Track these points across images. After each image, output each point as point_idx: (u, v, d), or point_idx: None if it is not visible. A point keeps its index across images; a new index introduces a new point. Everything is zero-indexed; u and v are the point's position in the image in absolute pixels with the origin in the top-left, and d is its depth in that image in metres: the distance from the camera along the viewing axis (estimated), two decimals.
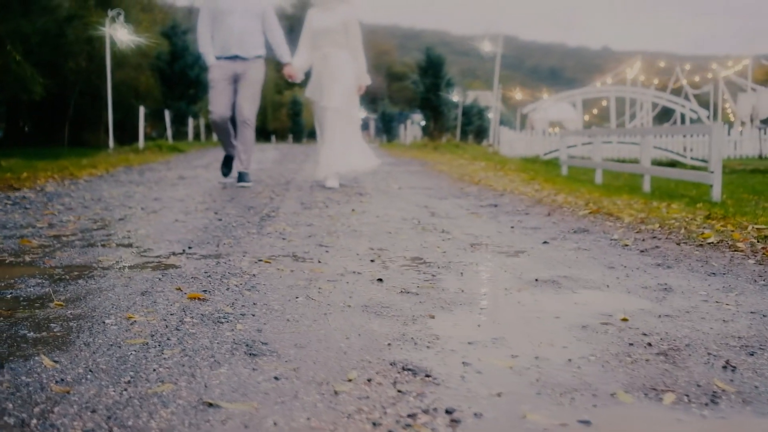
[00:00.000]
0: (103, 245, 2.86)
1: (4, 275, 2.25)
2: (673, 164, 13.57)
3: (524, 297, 2.01)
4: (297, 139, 47.39)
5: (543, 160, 13.78)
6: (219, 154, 16.27)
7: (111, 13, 14.72)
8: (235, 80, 6.15)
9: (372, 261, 2.53)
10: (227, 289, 2.07)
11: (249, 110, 6.17)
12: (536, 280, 2.25)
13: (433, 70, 20.14)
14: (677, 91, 37.34)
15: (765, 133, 25.41)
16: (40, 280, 2.18)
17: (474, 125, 32.42)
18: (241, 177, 6.13)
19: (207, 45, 6.11)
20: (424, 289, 2.10)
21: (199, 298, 1.94)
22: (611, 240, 3.09)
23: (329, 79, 6.03)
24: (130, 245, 2.87)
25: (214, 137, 27.67)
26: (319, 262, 2.52)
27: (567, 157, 10.43)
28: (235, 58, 6.09)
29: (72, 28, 23.74)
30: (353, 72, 6.11)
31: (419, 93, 19.55)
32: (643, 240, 3.11)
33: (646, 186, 7.29)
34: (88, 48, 25.95)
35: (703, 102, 41.45)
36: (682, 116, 25.68)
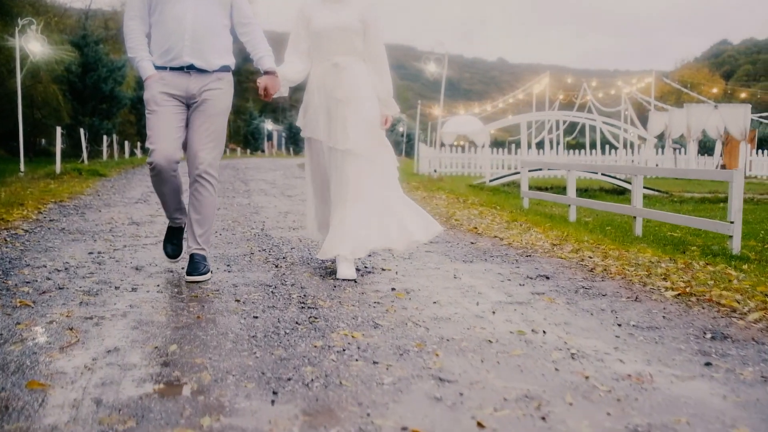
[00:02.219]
0: None
1: None
2: (621, 191, 13.61)
3: None
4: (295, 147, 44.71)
5: (489, 186, 13.50)
6: (144, 179, 15.08)
7: (22, 21, 13.38)
8: (189, 105, 3.85)
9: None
10: None
11: (210, 156, 3.84)
12: None
13: None
14: (583, 107, 38.63)
15: (680, 153, 26.47)
16: None
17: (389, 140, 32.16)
18: (195, 264, 3.85)
19: (140, 46, 3.81)
20: None
21: None
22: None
23: (345, 105, 4.02)
24: None
25: (136, 152, 25.56)
26: None
27: (528, 189, 10.14)
28: (188, 69, 3.76)
29: None
30: (375, 94, 4.14)
31: None
32: None
33: (638, 230, 7.01)
34: None
35: (609, 118, 42.94)
36: (602, 134, 26.27)
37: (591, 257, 4.79)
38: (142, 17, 3.84)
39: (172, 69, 3.78)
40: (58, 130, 13.19)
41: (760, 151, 26.82)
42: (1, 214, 6.84)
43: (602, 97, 42.57)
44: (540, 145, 28.66)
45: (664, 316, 3.09)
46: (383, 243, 3.96)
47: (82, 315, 3.01)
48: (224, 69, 3.88)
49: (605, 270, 4.25)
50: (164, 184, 3.87)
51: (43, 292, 3.47)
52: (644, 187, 13.68)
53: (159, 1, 3.79)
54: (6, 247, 4.96)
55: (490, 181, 13.65)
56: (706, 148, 33.59)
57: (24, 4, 23.49)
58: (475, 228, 6.38)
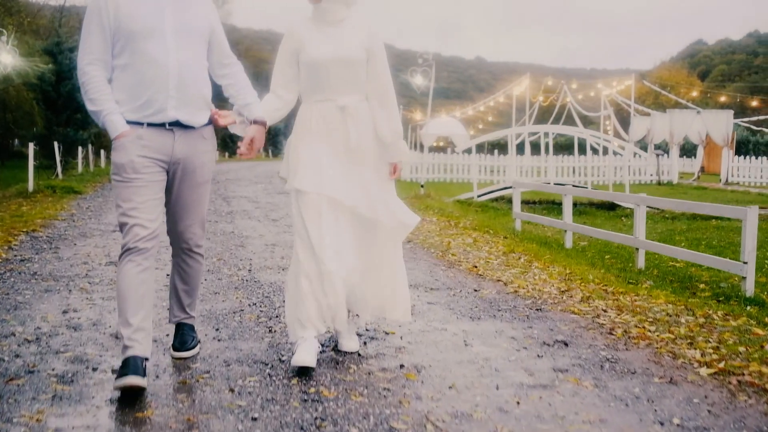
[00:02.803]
0: None
1: None
2: (611, 206, 13.38)
3: None
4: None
5: (478, 203, 13.22)
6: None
7: None
8: (171, 170, 3.13)
9: None
10: None
11: (201, 230, 3.34)
12: None
13: None
14: (563, 108, 38.59)
15: (662, 158, 26.42)
16: None
17: None
18: (183, 338, 3.43)
19: (105, 98, 2.98)
20: None
21: None
22: None
23: (350, 154, 3.36)
24: None
25: (108, 162, 24.72)
26: None
27: (520, 210, 9.87)
28: (171, 126, 3.05)
29: None
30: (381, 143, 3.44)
31: None
32: None
33: (640, 262, 6.75)
34: None
35: (589, 121, 43.13)
36: (581, 143, 26.09)
37: (605, 310, 4.50)
38: (104, 61, 3.01)
39: (151, 125, 3.01)
40: (31, 146, 12.68)
41: (742, 156, 26.88)
42: None
43: (582, 99, 42.60)
44: (521, 147, 28.48)
45: (709, 410, 2.79)
46: (379, 312, 3.58)
47: (54, 424, 2.62)
48: (208, 123, 3.22)
49: (626, 333, 3.95)
50: (138, 276, 2.97)
51: (11, 379, 3.08)
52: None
53: (128, 39, 2.97)
54: None
55: (479, 196, 13.37)
56: (685, 150, 33.66)
57: None
58: (475, 267, 6.06)
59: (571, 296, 4.92)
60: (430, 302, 4.74)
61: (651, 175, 23.89)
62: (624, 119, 35.44)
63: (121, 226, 3.04)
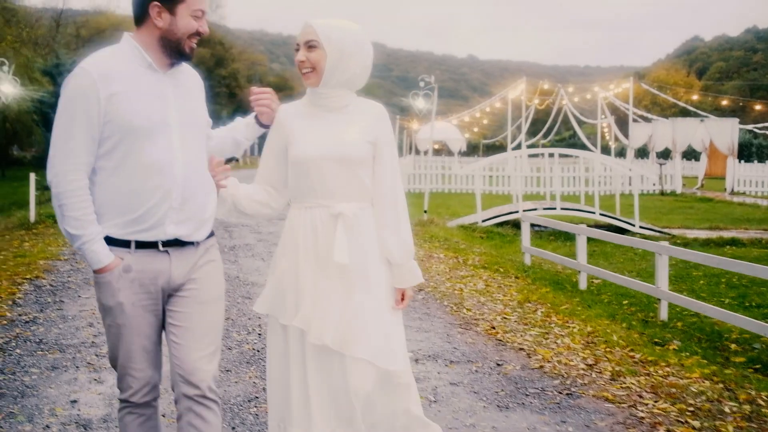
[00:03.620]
0: None
1: None
2: (620, 230, 13.19)
3: None
4: None
5: (482, 228, 13.05)
6: None
7: None
8: (167, 299, 2.53)
9: None
10: None
11: (213, 365, 2.56)
12: None
13: None
14: (560, 111, 38.42)
15: (665, 166, 26.26)
16: None
17: None
18: None
19: (88, 217, 2.37)
20: None
21: None
22: None
23: (355, 282, 2.61)
24: None
25: None
26: None
27: (529, 241, 9.71)
28: (166, 245, 2.46)
29: None
30: (385, 261, 2.70)
31: None
32: None
33: (663, 313, 6.57)
34: None
35: (588, 132, 43.01)
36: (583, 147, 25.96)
37: (640, 396, 4.31)
38: (87, 164, 2.37)
39: (140, 245, 2.41)
40: (32, 178, 12.52)
41: (746, 162, 26.74)
42: None
43: (578, 101, 42.38)
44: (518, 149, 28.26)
45: None
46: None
47: None
48: (212, 234, 2.64)
49: None
50: (141, 428, 2.59)
51: None
52: (641, 227, 13.34)
53: (123, 137, 2.36)
54: None
55: (483, 221, 13.19)
56: (685, 153, 33.50)
57: None
58: (493, 328, 5.88)
59: (600, 372, 4.74)
60: (453, 382, 4.56)
61: (654, 184, 23.73)
62: (622, 121, 35.19)
63: (115, 370, 2.58)
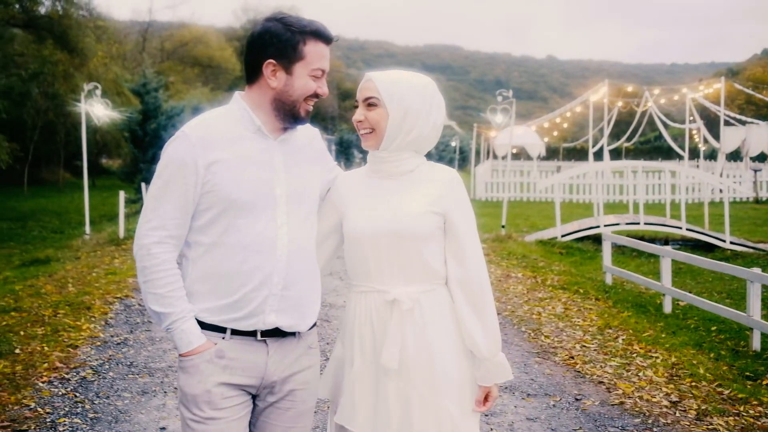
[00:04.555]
0: None
1: None
2: (708, 247, 12.68)
3: None
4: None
5: (561, 243, 12.82)
6: None
7: (87, 86, 13.52)
8: (256, 398, 2.24)
9: None
10: None
11: None
12: None
13: None
14: (644, 114, 37.20)
15: (760, 174, 25.07)
16: None
17: (443, 160, 31.56)
18: None
19: (177, 293, 2.11)
20: None
21: None
22: None
23: (406, 384, 2.22)
24: None
25: None
26: None
27: (611, 261, 9.48)
28: (265, 335, 2.16)
29: (37, 83, 22.51)
30: (464, 349, 2.28)
31: None
32: None
33: (756, 343, 6.29)
34: (51, 104, 24.57)
35: (675, 133, 41.56)
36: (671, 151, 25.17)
37: None
38: (178, 237, 2.13)
39: (236, 333, 2.14)
40: (121, 194, 13.16)
41: None
42: (71, 329, 6.66)
43: (664, 102, 40.88)
44: (599, 155, 27.56)
45: None
46: None
47: None
48: (314, 324, 2.31)
49: None
50: None
51: None
52: (732, 242, 12.77)
53: (224, 210, 2.11)
54: (76, 414, 4.64)
55: (563, 236, 12.96)
56: None
57: (87, 32, 24.02)
58: (571, 357, 5.78)
59: (685, 411, 4.59)
60: (530, 417, 4.52)
61: (748, 191, 22.68)
62: (713, 123, 33.77)
63: None
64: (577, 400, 4.84)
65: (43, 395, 4.96)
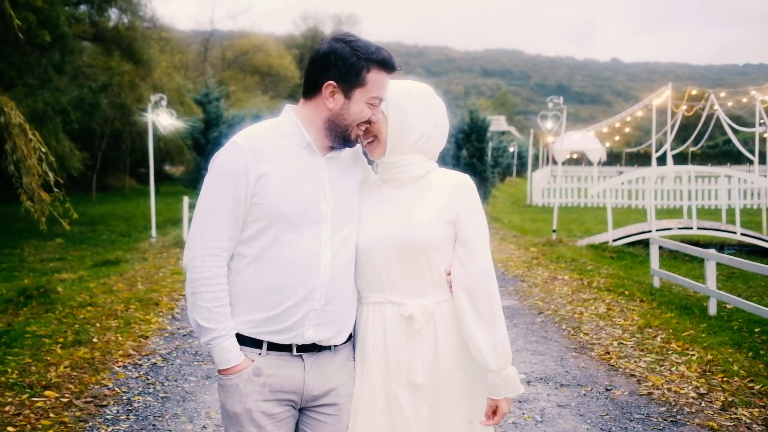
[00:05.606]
0: None
1: None
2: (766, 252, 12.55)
3: None
4: None
5: (613, 247, 12.92)
6: None
7: (154, 98, 14.37)
8: (300, 414, 2.28)
9: None
10: None
11: None
12: None
13: (477, 134, 19.24)
14: (710, 118, 36.35)
15: None
16: None
17: (501, 166, 31.60)
18: None
19: (223, 310, 2.13)
20: None
21: None
22: None
23: (420, 390, 2.24)
24: None
25: None
26: None
27: (658, 265, 9.59)
28: (307, 350, 2.20)
29: (106, 95, 23.71)
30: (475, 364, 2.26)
31: (462, 158, 18.67)
32: None
33: None
34: (118, 113, 25.84)
35: (747, 136, 40.40)
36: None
37: (749, 427, 4.37)
38: (229, 249, 2.15)
39: (272, 347, 2.16)
40: (185, 199, 13.90)
41: None
42: (142, 321, 7.25)
43: (732, 105, 39.78)
44: (663, 159, 27.13)
45: None
46: None
47: None
48: (350, 337, 2.32)
49: None
50: None
51: None
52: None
53: (270, 223, 2.14)
54: (149, 393, 5.18)
55: (614, 241, 13.05)
56: None
57: (151, 43, 25.19)
58: (608, 353, 6.04)
59: (711, 401, 4.82)
60: (560, 404, 4.83)
61: None
62: None
63: None
64: (607, 390, 5.12)
65: (119, 377, 5.52)
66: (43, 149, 7.09)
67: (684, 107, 40.39)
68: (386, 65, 2.14)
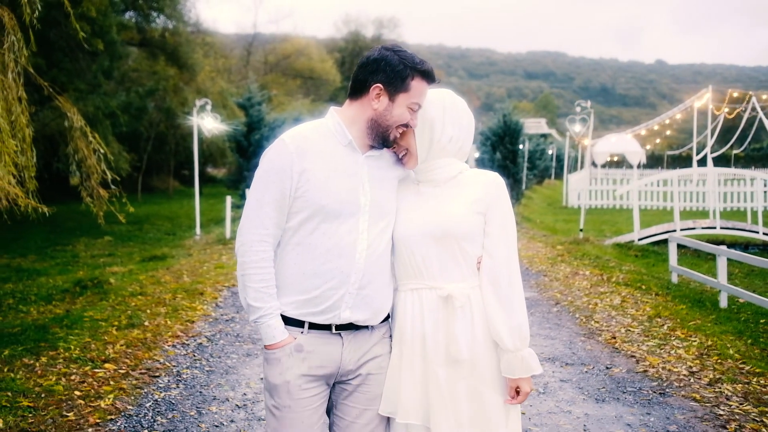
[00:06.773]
0: None
1: None
2: None
3: None
4: None
5: (638, 246, 13.27)
6: None
7: (199, 102, 15.15)
8: (334, 386, 2.51)
9: None
10: None
11: None
12: None
13: (510, 137, 19.67)
14: (752, 121, 35.93)
15: None
16: None
17: (538, 168, 31.84)
18: None
19: (270, 290, 2.38)
20: None
21: None
22: None
23: (458, 367, 2.41)
24: None
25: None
26: None
27: (676, 262, 9.96)
28: (345, 329, 2.43)
29: (152, 99, 24.71)
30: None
31: (496, 161, 19.13)
32: None
33: None
34: (163, 117, 26.91)
35: None
36: None
37: (728, 397, 4.84)
38: (276, 236, 2.39)
39: (313, 327, 2.40)
40: (228, 199, 14.65)
41: None
42: (188, 308, 7.95)
43: None
44: (703, 162, 27.18)
45: None
46: None
47: None
48: (387, 318, 2.53)
49: (740, 427, 4.33)
50: None
51: None
52: None
53: (312, 214, 2.36)
54: (196, 367, 5.85)
55: (639, 240, 13.40)
56: None
57: (195, 48, 26.15)
58: (613, 338, 6.52)
59: (700, 378, 5.28)
60: (563, 379, 5.35)
61: None
62: None
63: None
64: (607, 368, 5.62)
65: (169, 354, 6.21)
66: (102, 150, 7.85)
67: (726, 109, 40.00)
68: (428, 76, 2.39)
